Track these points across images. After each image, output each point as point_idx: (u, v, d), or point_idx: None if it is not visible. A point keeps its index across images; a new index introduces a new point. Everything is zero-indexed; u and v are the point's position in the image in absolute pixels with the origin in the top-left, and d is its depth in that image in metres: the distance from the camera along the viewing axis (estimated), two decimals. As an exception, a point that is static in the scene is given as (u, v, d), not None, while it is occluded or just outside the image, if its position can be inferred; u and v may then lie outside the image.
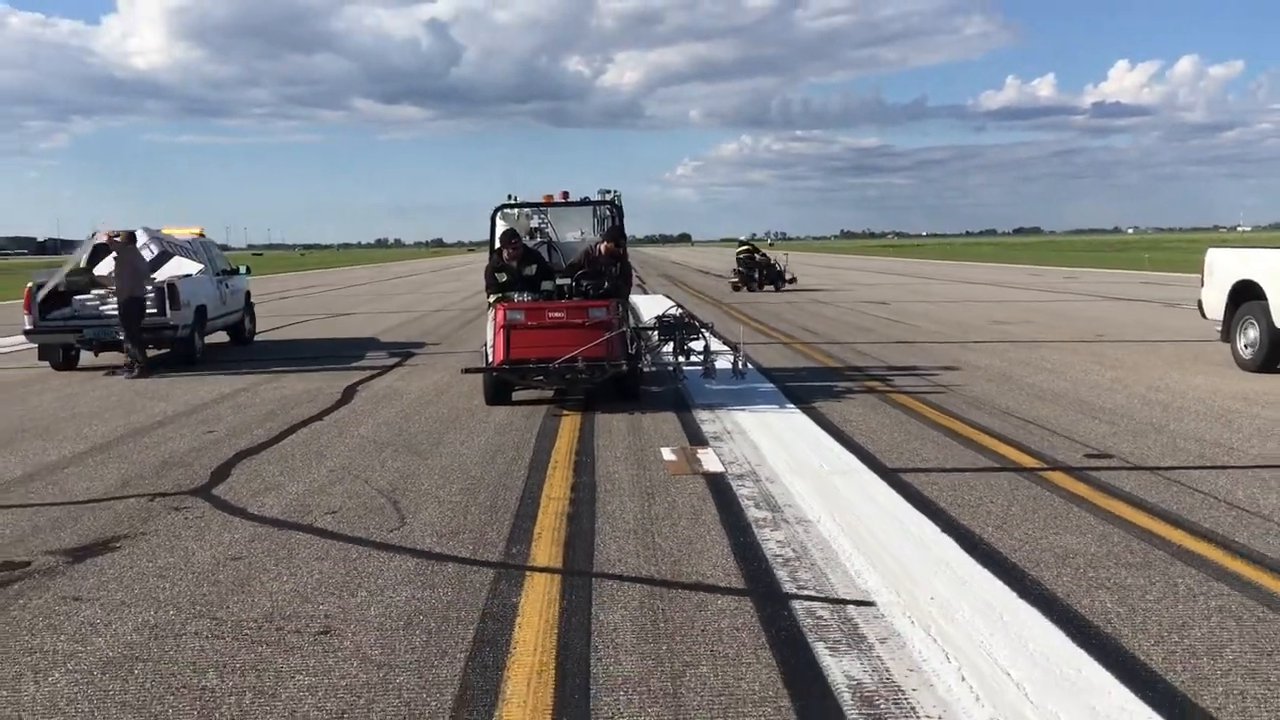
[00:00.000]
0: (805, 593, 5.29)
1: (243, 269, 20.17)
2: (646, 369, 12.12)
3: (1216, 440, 8.90)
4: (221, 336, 19.02)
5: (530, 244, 12.57)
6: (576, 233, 13.36)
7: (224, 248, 25.54)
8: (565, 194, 12.70)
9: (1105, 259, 68.28)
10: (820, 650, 4.53)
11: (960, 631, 4.69)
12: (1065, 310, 24.94)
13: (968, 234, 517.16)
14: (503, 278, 11.83)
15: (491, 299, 11.71)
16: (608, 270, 11.91)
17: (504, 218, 12.86)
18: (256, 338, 20.55)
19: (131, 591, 5.53)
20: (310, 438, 9.91)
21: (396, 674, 4.39)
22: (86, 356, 16.53)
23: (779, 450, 8.74)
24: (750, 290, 34.20)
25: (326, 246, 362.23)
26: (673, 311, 13.48)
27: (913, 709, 3.95)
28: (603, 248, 12.16)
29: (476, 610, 5.13)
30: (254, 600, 5.36)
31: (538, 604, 5.21)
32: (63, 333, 15.75)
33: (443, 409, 11.27)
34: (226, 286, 18.58)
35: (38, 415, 11.70)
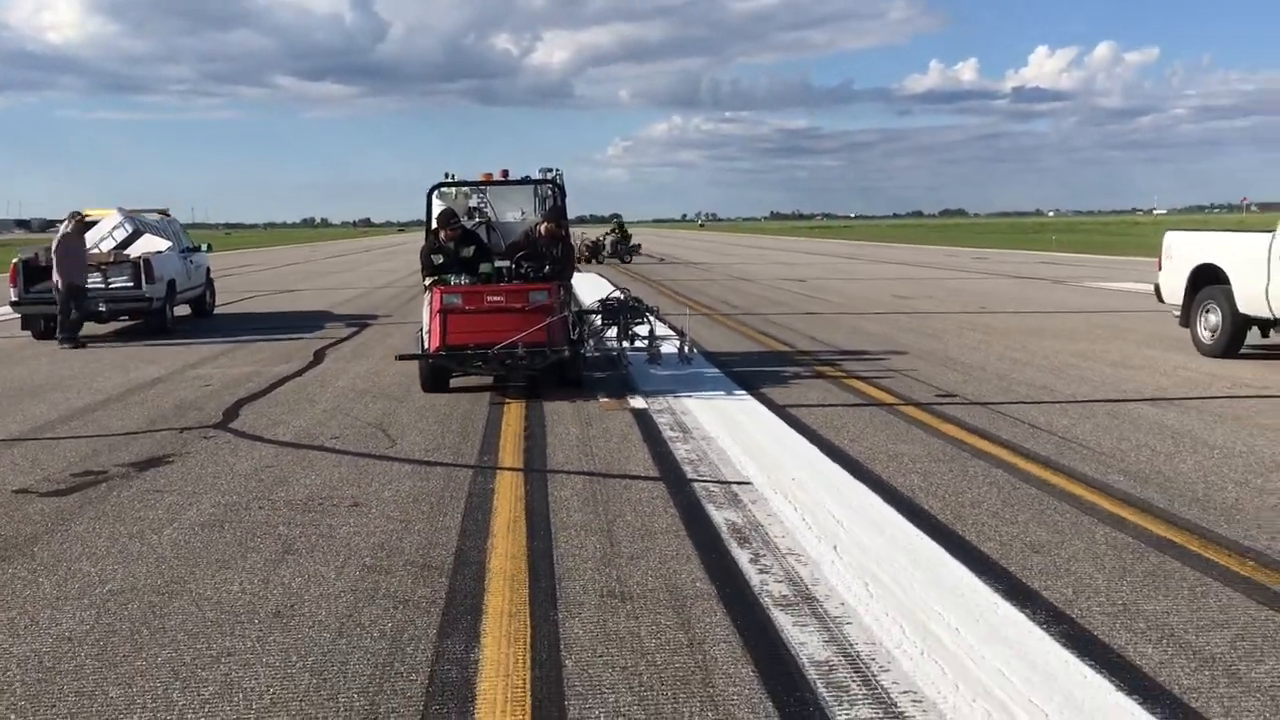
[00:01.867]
0: (703, 479, 7.28)
1: (204, 246, 21.64)
2: (590, 354, 11.59)
3: (1043, 385, 11.07)
4: (184, 309, 20.50)
5: (469, 224, 12.33)
6: (517, 213, 13.12)
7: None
8: (505, 172, 12.42)
9: (1019, 240, 71.55)
10: (710, 508, 6.53)
11: (808, 497, 6.70)
12: (964, 286, 27.34)
13: (895, 216, 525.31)
14: (439, 260, 11.41)
15: (428, 282, 11.29)
16: (549, 252, 11.59)
17: (441, 197, 12.59)
18: (215, 312, 22.04)
19: (198, 486, 7.33)
20: (297, 388, 11.67)
21: (413, 524, 6.28)
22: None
23: (698, 400, 10.72)
24: (598, 261, 41.39)
25: (251, 226, 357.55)
26: (616, 295, 12.69)
27: (767, 536, 5.94)
28: (543, 228, 11.83)
29: (463, 492, 7.03)
30: (293, 491, 7.18)
31: (508, 487, 7.13)
32: (46, 304, 17.20)
33: (408, 367, 12.98)
34: (191, 262, 20.09)
35: (42, 375, 13.26)
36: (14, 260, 17.42)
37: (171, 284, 18.37)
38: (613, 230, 47.01)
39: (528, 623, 4.73)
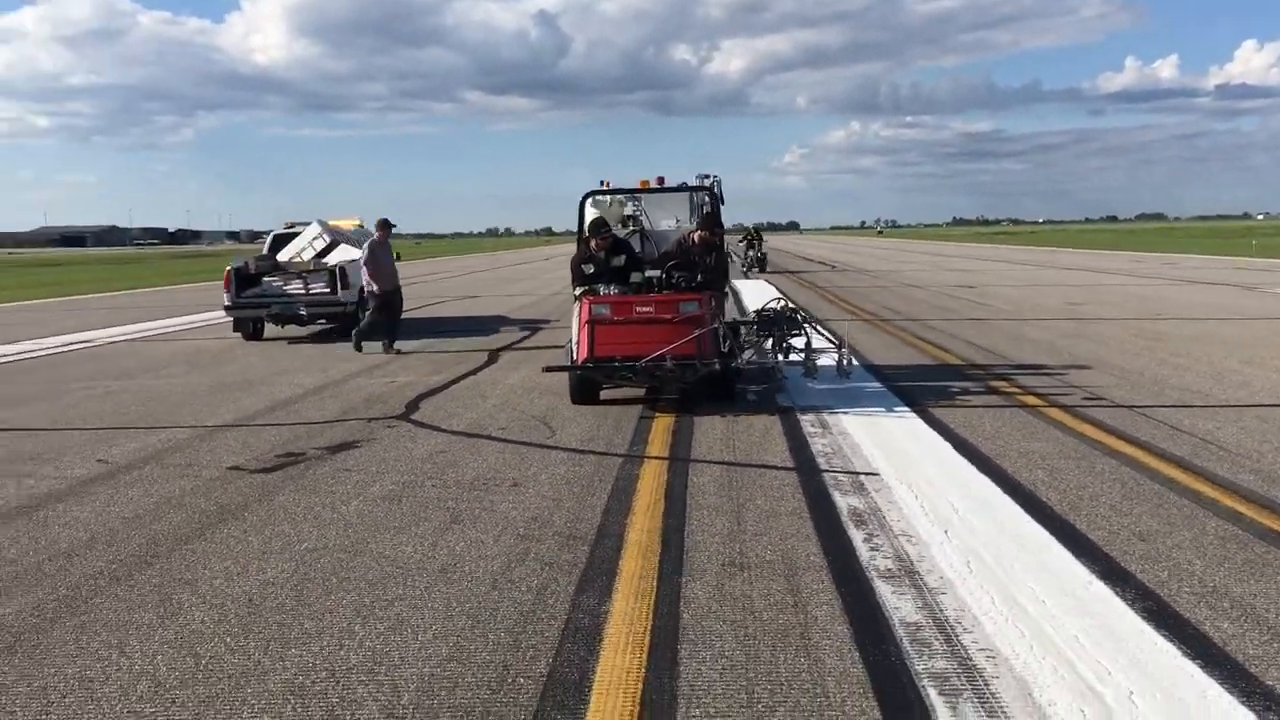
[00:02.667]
0: (833, 469, 7.76)
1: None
2: (744, 366, 10.96)
3: (1199, 389, 11.01)
4: (376, 314, 22.01)
5: (622, 233, 12.04)
6: (671, 220, 12.81)
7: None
8: (660, 179, 12.15)
9: (1217, 246, 68.10)
10: (835, 495, 7.01)
11: (931, 489, 7.10)
12: (1144, 293, 26.58)
13: (1086, 220, 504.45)
14: (590, 269, 11.18)
15: (578, 292, 11.11)
16: (702, 261, 11.16)
17: (595, 205, 12.39)
18: (404, 315, 23.53)
19: (381, 467, 8.25)
20: (472, 385, 12.65)
21: (564, 502, 6.99)
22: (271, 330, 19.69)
23: (852, 411, 11.14)
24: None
25: (440, 236, 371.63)
26: (773, 305, 11.77)
27: (884, 520, 6.39)
28: (696, 236, 11.44)
29: (611, 476, 7.72)
30: (462, 472, 8.02)
31: (652, 473, 7.78)
32: (255, 308, 18.90)
33: (573, 367, 13.88)
34: (381, 270, 21.58)
35: (253, 371, 14.69)
36: (227, 269, 19.19)
37: (362, 290, 19.83)
38: (744, 237, 42.72)
39: (655, 584, 5.35)
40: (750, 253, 41.44)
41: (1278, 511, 6.37)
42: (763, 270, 39.55)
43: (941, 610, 4.87)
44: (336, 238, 20.51)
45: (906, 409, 10.20)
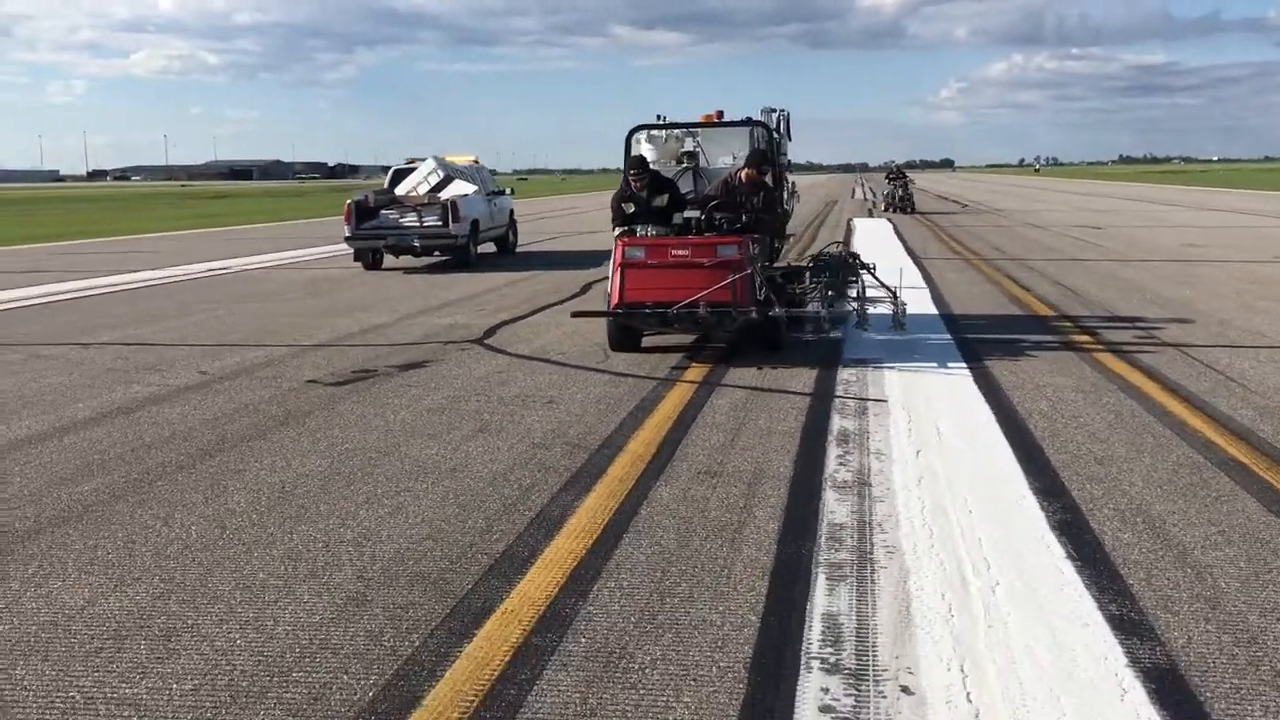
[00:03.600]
0: (848, 396, 8.23)
1: (508, 190, 24.14)
2: (787, 314, 9.95)
3: (1261, 331, 10.97)
4: (489, 247, 23.03)
5: (676, 170, 11.68)
6: (729, 158, 11.95)
7: (493, 172, 29.98)
8: (719, 113, 11.77)
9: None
10: (835, 418, 7.51)
11: (929, 413, 7.53)
12: (1276, 235, 25.58)
13: (1266, 159, 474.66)
14: (630, 208, 10.72)
15: (617, 232, 10.65)
16: (748, 201, 10.52)
17: (651, 140, 12.02)
18: (518, 249, 24.52)
19: (439, 384, 9.08)
20: (553, 314, 13.40)
21: (586, 417, 7.68)
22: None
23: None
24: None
25: (587, 171, 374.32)
26: (831, 249, 11.53)
27: (866, 440, 6.88)
28: (743, 175, 10.73)
29: (639, 396, 8.36)
30: (509, 390, 8.77)
31: (678, 395, 8.40)
32: (372, 239, 20.08)
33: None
34: (495, 205, 22.55)
35: (361, 298, 15.79)
36: (348, 202, 20.40)
37: (475, 224, 20.81)
38: (889, 175, 44.62)
39: (631, 486, 5.99)
40: (896, 191, 41.21)
41: (1251, 443, 6.60)
42: (908, 211, 38.87)
43: (871, 515, 5.38)
44: (451, 173, 21.49)
45: (961, 365, 9.43)
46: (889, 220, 34.46)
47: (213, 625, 4.25)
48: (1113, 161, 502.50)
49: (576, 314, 11.53)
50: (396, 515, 5.59)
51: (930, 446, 6.66)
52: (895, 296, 10.64)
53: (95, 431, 7.58)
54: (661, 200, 10.69)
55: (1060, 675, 3.68)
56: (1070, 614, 4.17)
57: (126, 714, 3.58)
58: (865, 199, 52.05)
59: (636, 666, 3.83)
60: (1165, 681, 3.63)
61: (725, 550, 4.96)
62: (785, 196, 12.18)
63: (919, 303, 12.96)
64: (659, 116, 12.08)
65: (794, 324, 10.20)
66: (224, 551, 5.10)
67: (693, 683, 3.70)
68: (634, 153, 11.62)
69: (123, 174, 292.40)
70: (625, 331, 10.33)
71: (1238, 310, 12.53)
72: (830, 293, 10.46)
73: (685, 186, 11.58)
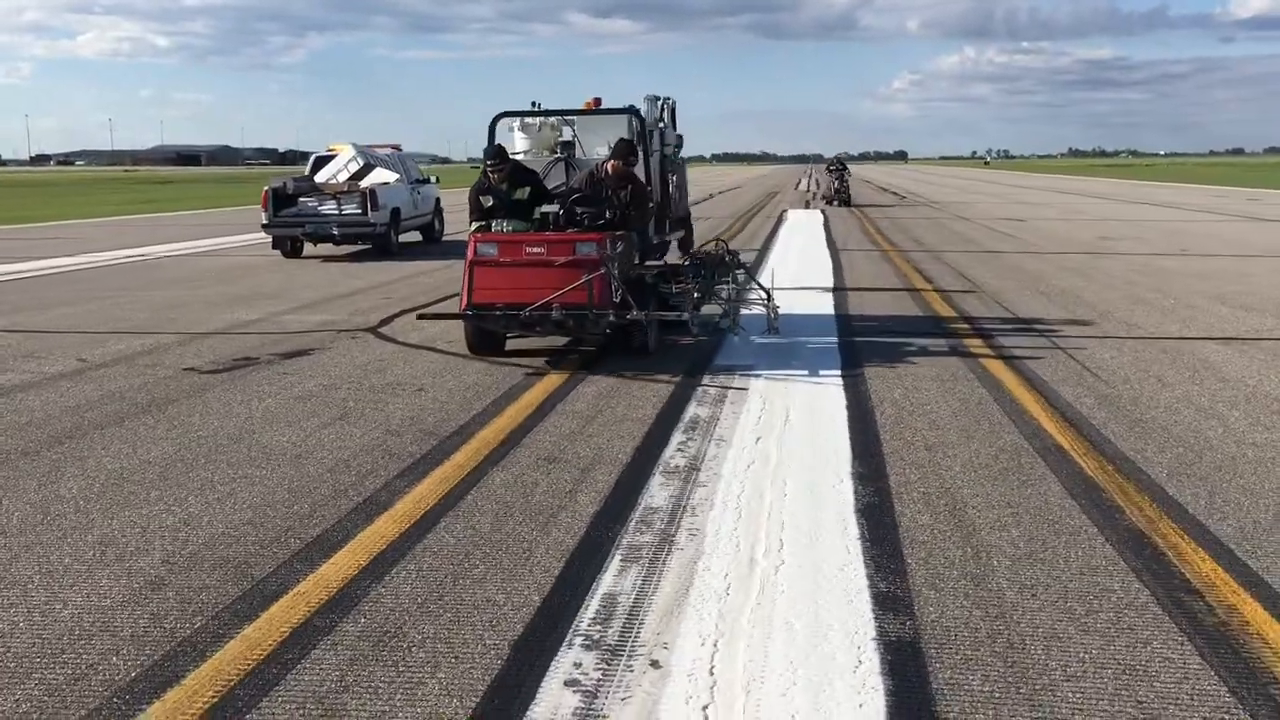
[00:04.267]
0: (716, 382, 8.38)
1: (433, 179, 24.08)
2: (647, 318, 9.18)
3: (1135, 322, 11.27)
4: (415, 236, 22.93)
5: (548, 161, 11.13)
6: (605, 148, 10.75)
7: (443, 160, 29.75)
8: (596, 100, 11.06)
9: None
10: (691, 405, 7.67)
11: (783, 401, 7.69)
12: (1191, 229, 26.17)
13: (1211, 153, 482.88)
14: (488, 202, 9.97)
15: (473, 227, 9.90)
16: (614, 196, 9.70)
17: (524, 129, 11.47)
18: (445, 238, 24.45)
19: (315, 373, 9.11)
20: (454, 304, 13.43)
21: (449, 405, 7.76)
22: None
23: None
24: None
25: None
26: (708, 247, 11.04)
27: (713, 426, 7.02)
28: (609, 166, 9.83)
29: (508, 385, 8.45)
30: (385, 378, 8.82)
31: (548, 383, 8.49)
32: (290, 227, 19.96)
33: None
34: (419, 193, 22.47)
35: (269, 286, 15.73)
36: (265, 188, 20.25)
37: (395, 212, 20.73)
38: (829, 167, 43.58)
39: (468, 472, 6.08)
40: (833, 183, 40.81)
41: (1080, 429, 6.82)
42: (845, 204, 38.76)
43: (688, 499, 5.52)
44: (372, 161, 21.40)
45: (834, 371, 8.82)
46: (822, 212, 34.77)
47: (1, 610, 4.30)
48: (1062, 155, 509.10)
49: (423, 315, 10.73)
50: (225, 501, 5.64)
51: (773, 433, 6.82)
52: (769, 298, 10.10)
53: (-49, 419, 7.55)
54: (523, 193, 10.00)
55: (806, 649, 3.83)
56: (841, 592, 4.33)
57: (-113, 695, 3.63)
58: (808, 190, 52.50)
59: (405, 645, 3.93)
60: (903, 654, 3.79)
61: (534, 533, 5.07)
62: (668, 189, 11.68)
63: (815, 299, 13.17)
64: (534, 104, 11.38)
65: (671, 326, 9.72)
66: (37, 537, 5.13)
67: (453, 660, 3.81)
68: (505, 142, 11.11)
69: (66, 159, 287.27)
70: (483, 334, 9.66)
71: (1122, 301, 12.84)
72: (698, 295, 9.87)
73: (558, 179, 11.02)
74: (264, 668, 3.76)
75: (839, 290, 14.25)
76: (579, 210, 9.61)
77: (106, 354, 10.03)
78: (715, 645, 3.87)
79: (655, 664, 3.74)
